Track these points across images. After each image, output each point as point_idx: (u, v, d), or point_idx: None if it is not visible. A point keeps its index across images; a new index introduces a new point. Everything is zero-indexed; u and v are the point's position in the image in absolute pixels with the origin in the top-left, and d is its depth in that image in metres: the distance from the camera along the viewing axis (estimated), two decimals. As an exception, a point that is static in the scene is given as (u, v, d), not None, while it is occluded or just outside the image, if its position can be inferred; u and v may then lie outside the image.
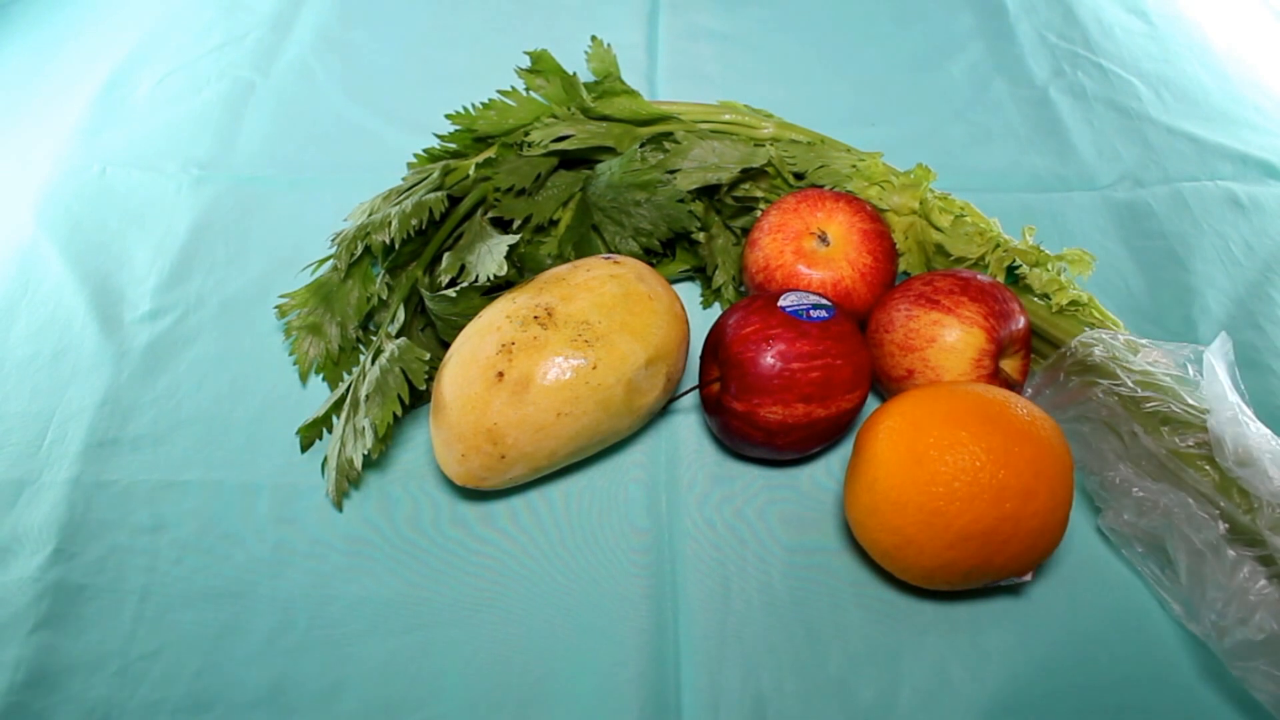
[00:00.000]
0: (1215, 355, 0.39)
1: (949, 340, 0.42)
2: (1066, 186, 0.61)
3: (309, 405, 0.47)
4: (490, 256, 0.43)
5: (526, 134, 0.50)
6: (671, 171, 0.50)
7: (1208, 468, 0.37)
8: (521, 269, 0.48)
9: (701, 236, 0.52)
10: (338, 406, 0.45)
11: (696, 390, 0.46)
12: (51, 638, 0.39)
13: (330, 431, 0.45)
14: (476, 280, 0.43)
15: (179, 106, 0.66)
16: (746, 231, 0.51)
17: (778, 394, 0.40)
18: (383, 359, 0.43)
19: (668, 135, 0.51)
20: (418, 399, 0.45)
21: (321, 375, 0.49)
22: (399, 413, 0.42)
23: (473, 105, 0.51)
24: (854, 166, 0.51)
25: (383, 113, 0.66)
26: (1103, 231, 0.58)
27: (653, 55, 0.71)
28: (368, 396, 0.42)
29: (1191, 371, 0.40)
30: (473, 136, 0.51)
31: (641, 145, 0.51)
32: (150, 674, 0.39)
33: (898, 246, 0.49)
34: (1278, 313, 0.52)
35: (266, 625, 0.40)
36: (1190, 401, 0.39)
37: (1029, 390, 0.45)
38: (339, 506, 0.44)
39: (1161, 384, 0.40)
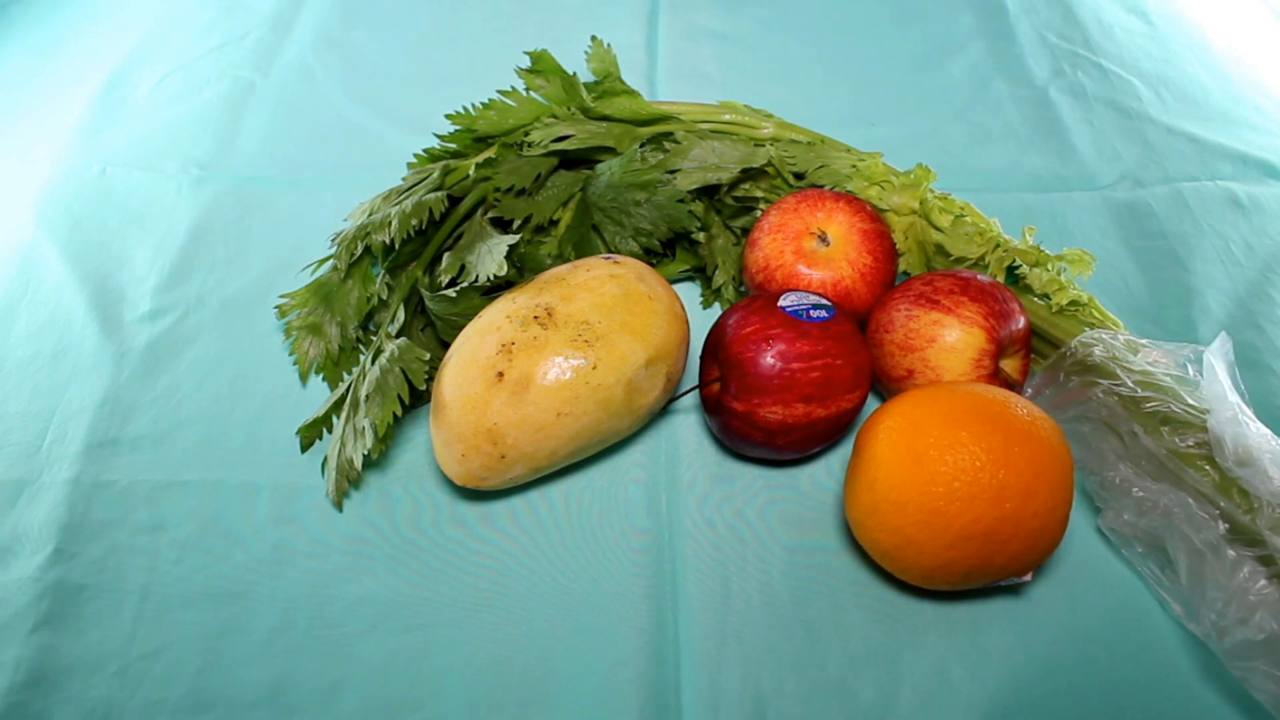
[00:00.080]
0: (1215, 355, 0.39)
1: (949, 340, 0.42)
2: (1066, 186, 0.61)
3: (309, 405, 0.47)
4: (490, 256, 0.43)
5: (526, 134, 0.50)
6: (671, 171, 0.50)
7: (1208, 468, 0.37)
8: (521, 269, 0.48)
9: (701, 236, 0.52)
10: (338, 406, 0.45)
11: (696, 390, 0.46)
12: (51, 638, 0.39)
13: (330, 431, 0.45)
14: (476, 280, 0.43)
15: (179, 106, 0.66)
16: (746, 231, 0.51)
17: (778, 394, 0.40)
18: (383, 359, 0.43)
19: (668, 135, 0.51)
20: (418, 399, 0.45)
21: (321, 375, 0.49)
22: (399, 413, 0.42)
23: (473, 105, 0.51)
24: (854, 166, 0.51)
25: (383, 113, 0.66)
26: (1103, 231, 0.58)
27: (653, 55, 0.71)
28: (368, 396, 0.42)
29: (1191, 371, 0.40)
30: (473, 136, 0.51)
31: (641, 145, 0.51)
32: (150, 674, 0.39)
33: (898, 246, 0.49)
34: (1278, 313, 0.52)
35: (266, 625, 0.40)
36: (1190, 401, 0.39)
37: (1029, 390, 0.45)
38: (339, 506, 0.44)
39: (1161, 384, 0.40)
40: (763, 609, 0.41)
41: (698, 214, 0.50)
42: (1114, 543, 0.42)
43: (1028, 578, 0.38)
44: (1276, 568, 0.35)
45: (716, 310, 0.53)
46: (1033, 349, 0.46)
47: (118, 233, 0.57)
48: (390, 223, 0.45)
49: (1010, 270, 0.47)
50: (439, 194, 0.47)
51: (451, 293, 0.44)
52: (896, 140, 0.62)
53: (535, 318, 0.41)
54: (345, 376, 0.47)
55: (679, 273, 0.53)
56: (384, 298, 0.48)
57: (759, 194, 0.52)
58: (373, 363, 0.44)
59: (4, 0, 0.76)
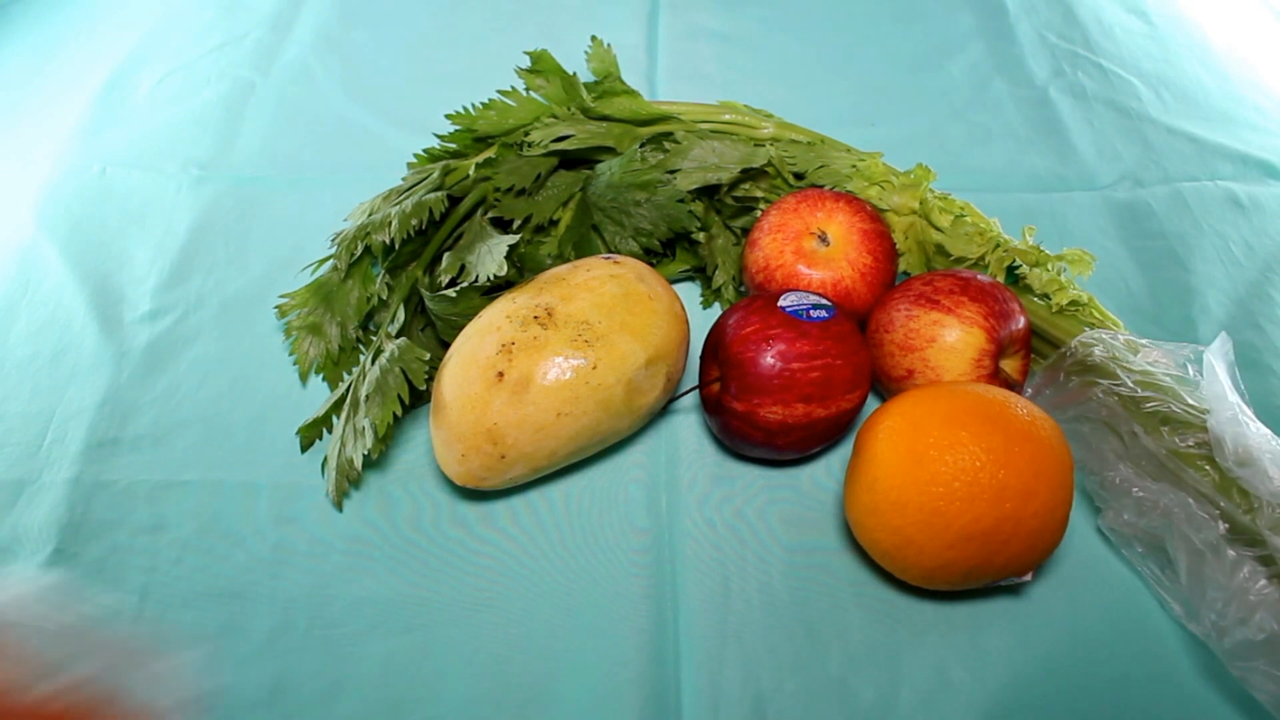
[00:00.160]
0: (1215, 355, 0.39)
1: (949, 340, 0.42)
2: (1066, 186, 0.61)
3: (309, 405, 0.47)
4: (490, 256, 0.43)
5: (526, 134, 0.50)
6: (671, 171, 0.50)
7: (1208, 468, 0.37)
8: (521, 269, 0.48)
9: (701, 236, 0.52)
10: (338, 406, 0.45)
11: (696, 390, 0.46)
12: (51, 638, 0.39)
13: (330, 431, 0.45)
14: (476, 280, 0.43)
15: (179, 106, 0.66)
16: (746, 231, 0.51)
17: (778, 394, 0.40)
18: (383, 359, 0.43)
19: (668, 135, 0.51)
20: (418, 399, 0.45)
21: (321, 375, 0.49)
22: (399, 413, 0.42)
23: (473, 105, 0.51)
24: (854, 166, 0.51)
25: (383, 113, 0.66)
26: (1103, 231, 0.58)
27: (653, 55, 0.71)
28: (368, 396, 0.42)
29: (1191, 371, 0.40)
30: (473, 136, 0.51)
31: (641, 145, 0.51)
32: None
33: (898, 246, 0.49)
34: (1278, 313, 0.52)
35: (266, 625, 0.40)
36: (1190, 401, 0.39)
37: (1029, 390, 0.45)
38: (339, 506, 0.44)
39: (1161, 384, 0.40)
40: (763, 609, 0.41)
41: (698, 214, 0.50)
42: (1114, 543, 0.42)
43: (1028, 578, 0.38)
44: (1276, 568, 0.35)
45: (716, 310, 0.53)
46: (1033, 349, 0.46)
47: (118, 233, 0.57)
48: (390, 223, 0.45)
49: (1010, 270, 0.47)
50: (439, 194, 0.47)
51: (451, 293, 0.44)
52: (896, 140, 0.62)
53: (535, 318, 0.41)
54: (345, 376, 0.47)
55: (679, 273, 0.53)
56: (384, 298, 0.48)
57: (759, 194, 0.52)
58: (373, 363, 0.44)
59: (4, 0, 0.76)
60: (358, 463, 0.42)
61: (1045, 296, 0.46)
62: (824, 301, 0.42)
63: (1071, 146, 0.64)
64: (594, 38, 0.52)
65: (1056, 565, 0.42)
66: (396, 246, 0.46)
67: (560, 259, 0.49)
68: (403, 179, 0.51)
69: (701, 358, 0.45)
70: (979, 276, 0.43)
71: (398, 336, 0.44)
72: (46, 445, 0.46)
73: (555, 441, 0.41)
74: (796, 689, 0.38)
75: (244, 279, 0.54)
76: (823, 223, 0.47)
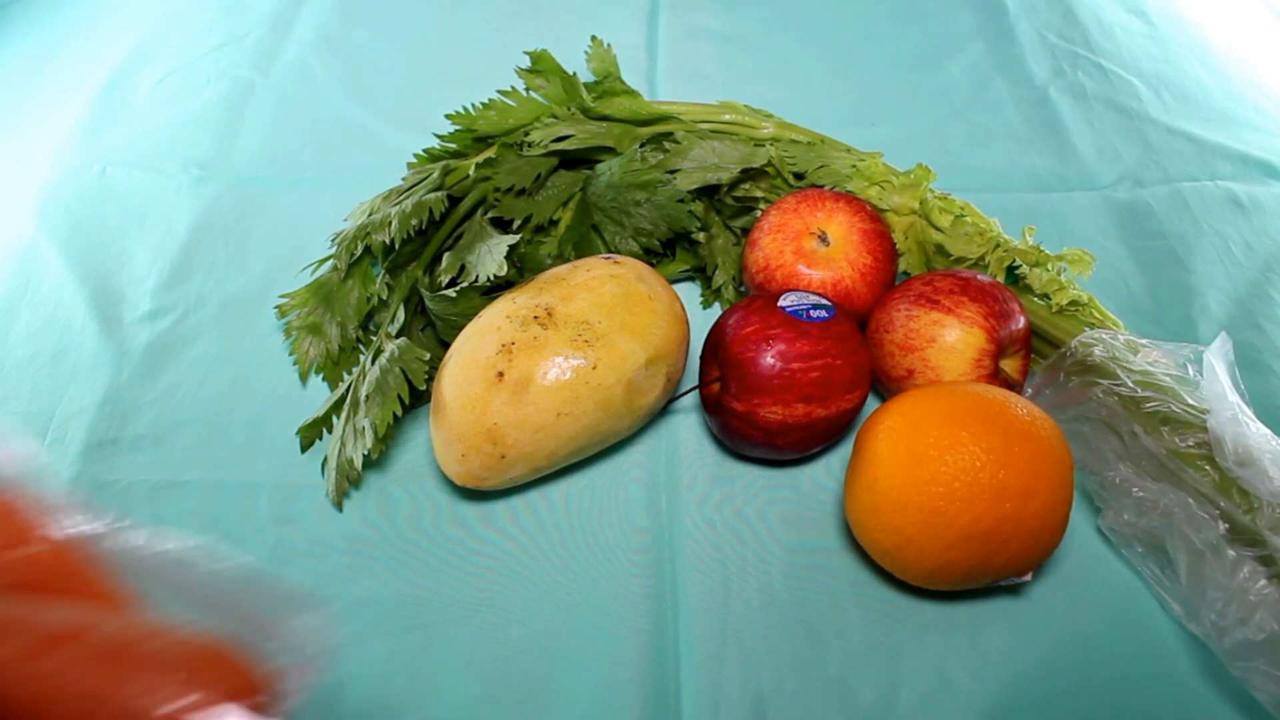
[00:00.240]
0: (1215, 355, 0.39)
1: (949, 340, 0.42)
2: (1066, 186, 0.61)
3: (309, 405, 0.47)
4: (490, 256, 0.43)
5: (526, 134, 0.50)
6: (671, 171, 0.50)
7: (1208, 468, 0.37)
8: (521, 269, 0.48)
9: (701, 236, 0.52)
10: (338, 406, 0.45)
11: (696, 390, 0.46)
12: (51, 638, 0.39)
13: (330, 431, 0.45)
14: (476, 280, 0.43)
15: (179, 106, 0.66)
16: (746, 231, 0.51)
17: (778, 394, 0.40)
18: (383, 359, 0.43)
19: (668, 135, 0.51)
20: (418, 399, 0.45)
21: (321, 375, 0.49)
22: (399, 413, 0.42)
23: (473, 105, 0.51)
24: (854, 166, 0.51)
25: (383, 113, 0.66)
26: (1103, 231, 0.58)
27: (653, 55, 0.71)
28: (368, 396, 0.42)
29: (1191, 371, 0.40)
30: (473, 136, 0.51)
31: (641, 145, 0.51)
32: (150, 674, 0.39)
33: (898, 246, 0.49)
34: (1278, 313, 0.52)
35: (266, 625, 0.40)
36: (1190, 401, 0.39)
37: (1029, 390, 0.45)
38: (339, 506, 0.44)
39: (1161, 384, 0.40)
40: (763, 609, 0.41)
41: (698, 214, 0.50)
42: (1114, 543, 0.42)
43: (1028, 578, 0.38)
44: (1276, 568, 0.35)
45: (716, 310, 0.53)
46: (1033, 349, 0.46)
47: (118, 233, 0.57)
48: (390, 223, 0.45)
49: (1010, 270, 0.47)
50: (439, 194, 0.47)
51: (451, 293, 0.44)
52: (896, 140, 0.62)
53: (535, 318, 0.41)
54: (345, 376, 0.47)
55: (679, 273, 0.53)
56: (384, 298, 0.48)
57: (759, 194, 0.52)
58: (373, 363, 0.44)
59: (4, 0, 0.76)
60: (358, 463, 0.42)
61: (1045, 296, 0.46)
62: (824, 301, 0.42)
63: (1071, 146, 0.64)
64: (594, 38, 0.52)
65: (1056, 565, 0.42)
66: (396, 246, 0.46)
67: (560, 259, 0.49)
68: (403, 179, 0.51)
69: (701, 358, 0.45)
70: (979, 276, 0.43)
71: (398, 336, 0.44)
72: (46, 445, 0.46)
73: (555, 441, 0.41)
74: (796, 689, 0.38)
75: (244, 279, 0.54)
76: (823, 223, 0.47)
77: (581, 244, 0.50)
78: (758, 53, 0.72)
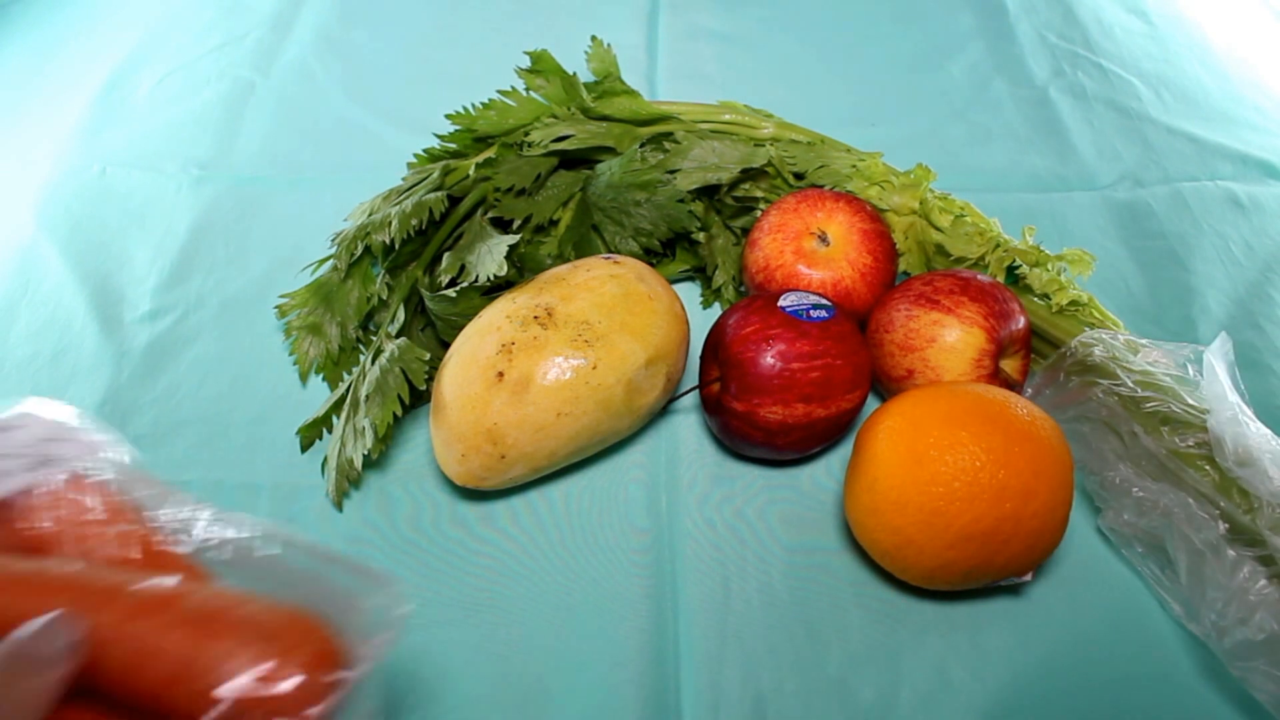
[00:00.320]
0: (1215, 355, 0.39)
1: (949, 340, 0.42)
2: (1066, 186, 0.61)
3: (309, 405, 0.47)
4: (490, 256, 0.43)
5: (526, 134, 0.50)
6: (671, 171, 0.50)
7: (1208, 468, 0.37)
8: (521, 269, 0.48)
9: (701, 236, 0.52)
10: (338, 406, 0.45)
11: (696, 390, 0.46)
12: (51, 638, 0.39)
13: (330, 431, 0.45)
14: (476, 280, 0.43)
15: (179, 106, 0.66)
16: (746, 231, 0.51)
17: (778, 394, 0.40)
18: (383, 359, 0.43)
19: (668, 135, 0.51)
20: (418, 399, 0.45)
21: (321, 375, 0.49)
22: (399, 413, 0.42)
23: (473, 105, 0.51)
24: (854, 166, 0.51)
25: (383, 113, 0.66)
26: (1103, 231, 0.58)
27: (653, 55, 0.71)
28: (368, 396, 0.42)
29: (1191, 371, 0.40)
30: (473, 136, 0.51)
31: (641, 145, 0.51)
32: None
33: (898, 246, 0.49)
34: (1278, 313, 0.52)
35: (266, 625, 0.40)
36: (1190, 401, 0.39)
37: (1029, 390, 0.45)
38: (339, 506, 0.44)
39: (1161, 384, 0.40)
40: (763, 609, 0.41)
41: (698, 214, 0.50)
42: (1114, 543, 0.42)
43: (1028, 578, 0.38)
44: (1276, 568, 0.35)
45: (716, 310, 0.53)
46: (1033, 349, 0.46)
47: (118, 233, 0.57)
48: (390, 223, 0.45)
49: (1010, 270, 0.47)
50: (439, 194, 0.47)
51: (451, 293, 0.44)
52: (896, 140, 0.62)
53: (535, 318, 0.41)
54: (345, 376, 0.47)
55: (679, 273, 0.53)
56: (384, 298, 0.48)
57: (759, 194, 0.52)
58: (373, 363, 0.44)
59: (4, 0, 0.76)
60: (358, 463, 0.42)
61: (1045, 296, 0.46)
62: (824, 301, 0.42)
63: (1071, 146, 0.64)
64: (594, 38, 0.52)
65: (1056, 565, 0.42)
66: (396, 246, 0.46)
67: (560, 259, 0.49)
68: (403, 179, 0.51)
69: (701, 358, 0.45)
70: (979, 276, 0.43)
71: (398, 336, 0.44)
72: (46, 445, 0.46)
73: (555, 441, 0.41)
74: (796, 689, 0.38)
75: (244, 279, 0.54)
76: (823, 223, 0.47)
77: (581, 244, 0.50)
78: (758, 53, 0.72)
